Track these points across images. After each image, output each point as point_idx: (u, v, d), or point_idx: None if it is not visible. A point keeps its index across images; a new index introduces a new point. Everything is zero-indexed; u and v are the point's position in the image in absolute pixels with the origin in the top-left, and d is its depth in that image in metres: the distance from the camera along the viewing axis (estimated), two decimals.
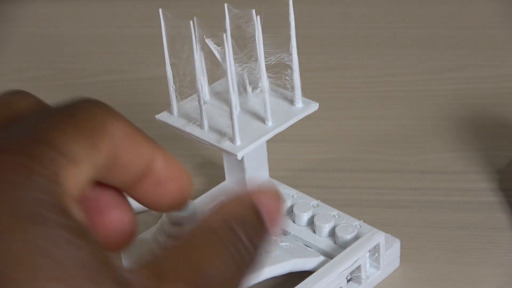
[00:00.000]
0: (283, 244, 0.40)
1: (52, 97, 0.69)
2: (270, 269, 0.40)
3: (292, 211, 0.43)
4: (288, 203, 0.44)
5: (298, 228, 0.43)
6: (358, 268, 0.40)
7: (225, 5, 0.39)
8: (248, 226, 0.29)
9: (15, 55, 0.69)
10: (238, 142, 0.39)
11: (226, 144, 0.39)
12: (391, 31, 0.68)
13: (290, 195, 0.45)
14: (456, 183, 0.50)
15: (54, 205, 0.26)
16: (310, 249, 0.41)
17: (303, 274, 0.40)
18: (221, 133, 0.40)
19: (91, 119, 0.29)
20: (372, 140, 0.54)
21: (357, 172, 0.51)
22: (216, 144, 0.39)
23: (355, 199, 0.49)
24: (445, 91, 0.59)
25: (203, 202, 0.46)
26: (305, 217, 0.43)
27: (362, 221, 0.42)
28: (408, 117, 0.57)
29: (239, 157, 0.39)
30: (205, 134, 0.40)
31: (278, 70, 0.41)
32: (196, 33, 0.40)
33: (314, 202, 0.44)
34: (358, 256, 0.40)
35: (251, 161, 0.45)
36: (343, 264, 0.39)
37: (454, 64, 0.62)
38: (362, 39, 0.66)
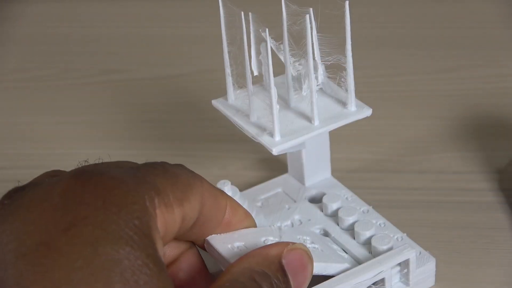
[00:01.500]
0: (311, 245, 0.39)
1: (52, 97, 0.70)
2: None
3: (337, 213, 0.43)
4: (338, 205, 0.43)
5: (339, 231, 0.42)
6: (383, 280, 0.39)
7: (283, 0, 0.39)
8: (272, 282, 0.33)
9: (15, 55, 0.69)
10: (278, 137, 0.39)
11: (264, 138, 0.39)
12: (390, 31, 0.68)
13: (344, 197, 0.44)
14: (456, 183, 0.50)
15: (144, 232, 0.29)
16: (341, 254, 0.41)
17: (325, 279, 0.39)
18: (264, 127, 0.40)
19: (184, 176, 0.33)
20: (371, 140, 0.54)
21: (356, 172, 0.51)
22: (256, 136, 0.39)
23: None
24: (445, 91, 0.59)
25: (263, 189, 0.46)
26: (347, 221, 0.42)
27: (406, 234, 0.42)
28: (408, 117, 0.57)
29: (275, 153, 0.39)
30: (249, 126, 0.40)
31: (335, 71, 0.41)
32: (251, 26, 0.39)
33: (365, 207, 0.44)
34: (381, 268, 0.39)
35: (311, 157, 0.45)
36: (364, 274, 0.38)
37: (454, 64, 0.62)
38: (361, 39, 0.66)
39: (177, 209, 0.32)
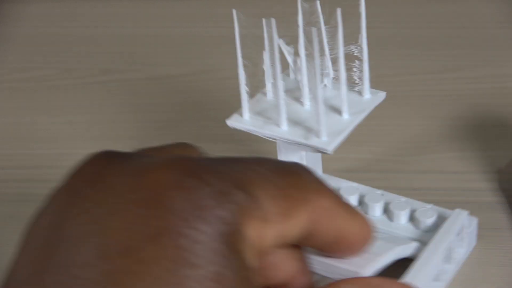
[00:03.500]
0: (382, 234, 0.40)
1: (52, 97, 0.70)
2: (381, 260, 0.37)
3: (363, 202, 0.44)
4: (356, 195, 0.44)
5: (372, 218, 0.42)
6: (449, 249, 0.41)
7: (299, 0, 0.39)
8: None
9: (15, 55, 0.69)
10: (325, 137, 0.39)
11: (314, 141, 0.39)
12: (391, 31, 0.68)
13: (355, 188, 0.45)
14: (456, 183, 0.50)
15: (234, 248, 0.26)
16: (397, 236, 0.42)
17: (396, 262, 0.39)
18: (304, 130, 0.39)
19: (296, 187, 0.29)
20: (371, 140, 0.54)
21: (357, 172, 0.51)
22: (304, 141, 0.39)
23: None
24: (445, 91, 0.59)
25: None
26: (378, 207, 0.43)
27: (432, 204, 0.43)
28: (408, 117, 0.57)
29: (331, 153, 0.39)
30: (289, 133, 0.39)
31: (346, 63, 0.41)
32: (273, 32, 0.39)
33: (379, 191, 0.45)
34: (449, 239, 0.40)
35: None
36: (439, 248, 0.40)
37: (454, 64, 0.62)
38: None
39: (273, 227, 0.28)
